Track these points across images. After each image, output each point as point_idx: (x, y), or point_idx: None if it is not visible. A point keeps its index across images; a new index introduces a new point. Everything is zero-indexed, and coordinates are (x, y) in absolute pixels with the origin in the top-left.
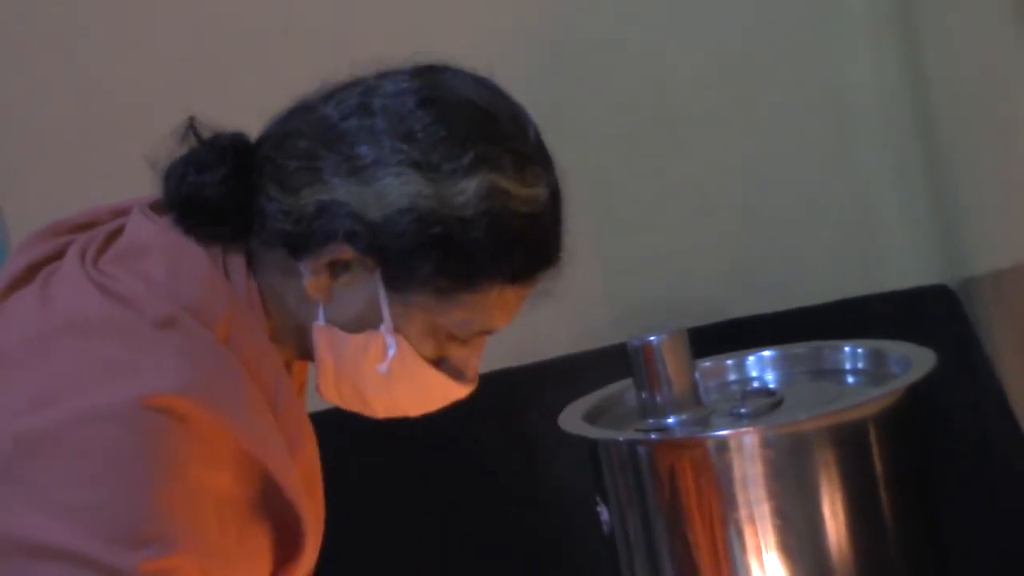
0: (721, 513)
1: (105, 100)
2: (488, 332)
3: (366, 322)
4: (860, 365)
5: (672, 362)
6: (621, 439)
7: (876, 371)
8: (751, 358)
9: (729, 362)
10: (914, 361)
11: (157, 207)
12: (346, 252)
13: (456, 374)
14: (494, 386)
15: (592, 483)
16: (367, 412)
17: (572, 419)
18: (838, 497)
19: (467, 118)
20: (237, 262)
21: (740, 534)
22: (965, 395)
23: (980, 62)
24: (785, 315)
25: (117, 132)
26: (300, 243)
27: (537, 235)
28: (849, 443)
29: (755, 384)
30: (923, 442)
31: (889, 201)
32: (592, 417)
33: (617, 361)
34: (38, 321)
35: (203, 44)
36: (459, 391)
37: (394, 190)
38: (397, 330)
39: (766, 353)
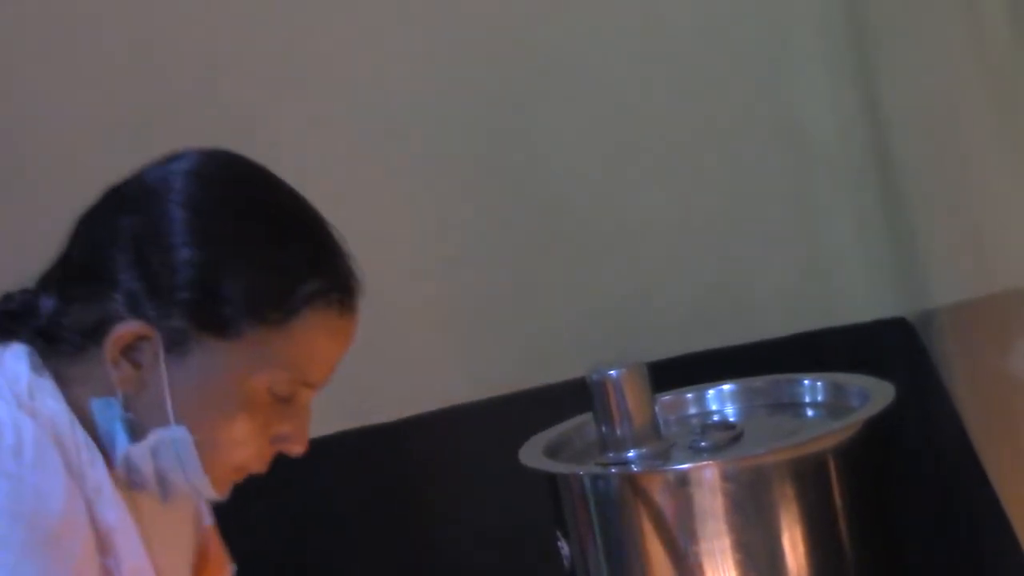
0: (681, 546)
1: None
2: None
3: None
4: (819, 398)
5: (632, 396)
6: (581, 473)
7: (835, 404)
8: (711, 392)
9: (689, 396)
10: (873, 394)
11: None
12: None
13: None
14: (453, 421)
15: (553, 517)
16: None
17: (532, 453)
18: (798, 529)
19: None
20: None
21: (700, 567)
22: (924, 427)
23: (936, 95)
24: (744, 349)
25: None
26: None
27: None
28: (809, 476)
29: (715, 417)
30: (882, 474)
31: (847, 234)
32: (552, 451)
33: (577, 395)
34: None
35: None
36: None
37: None
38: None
39: (725, 387)
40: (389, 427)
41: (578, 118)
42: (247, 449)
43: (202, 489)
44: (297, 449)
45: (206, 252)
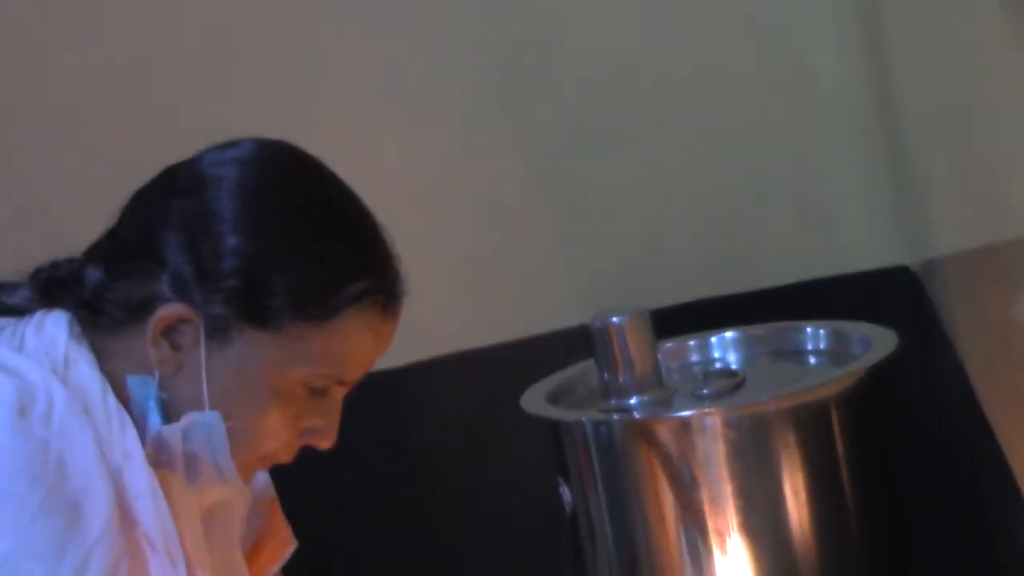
0: (683, 493)
1: None
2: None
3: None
4: (822, 346)
5: (634, 343)
6: (583, 419)
7: (838, 352)
8: (713, 339)
9: (691, 343)
10: (875, 342)
11: None
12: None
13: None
14: (455, 368)
15: (555, 464)
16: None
17: (534, 400)
18: (799, 477)
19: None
20: None
21: (702, 514)
22: (926, 375)
23: (942, 44)
24: (747, 296)
25: None
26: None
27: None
28: (811, 423)
29: (717, 365)
30: (884, 422)
31: (851, 183)
32: (554, 398)
33: (579, 342)
34: None
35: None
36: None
37: None
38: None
39: (728, 334)
40: (392, 373)
41: (583, 64)
42: (277, 440)
43: (228, 475)
44: (326, 443)
45: (255, 243)
